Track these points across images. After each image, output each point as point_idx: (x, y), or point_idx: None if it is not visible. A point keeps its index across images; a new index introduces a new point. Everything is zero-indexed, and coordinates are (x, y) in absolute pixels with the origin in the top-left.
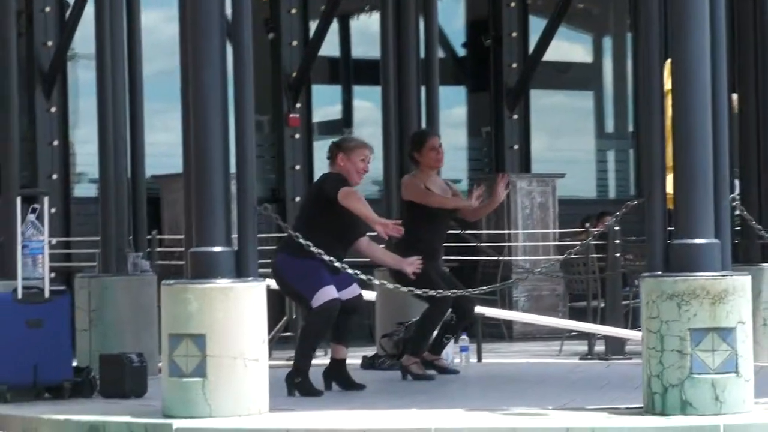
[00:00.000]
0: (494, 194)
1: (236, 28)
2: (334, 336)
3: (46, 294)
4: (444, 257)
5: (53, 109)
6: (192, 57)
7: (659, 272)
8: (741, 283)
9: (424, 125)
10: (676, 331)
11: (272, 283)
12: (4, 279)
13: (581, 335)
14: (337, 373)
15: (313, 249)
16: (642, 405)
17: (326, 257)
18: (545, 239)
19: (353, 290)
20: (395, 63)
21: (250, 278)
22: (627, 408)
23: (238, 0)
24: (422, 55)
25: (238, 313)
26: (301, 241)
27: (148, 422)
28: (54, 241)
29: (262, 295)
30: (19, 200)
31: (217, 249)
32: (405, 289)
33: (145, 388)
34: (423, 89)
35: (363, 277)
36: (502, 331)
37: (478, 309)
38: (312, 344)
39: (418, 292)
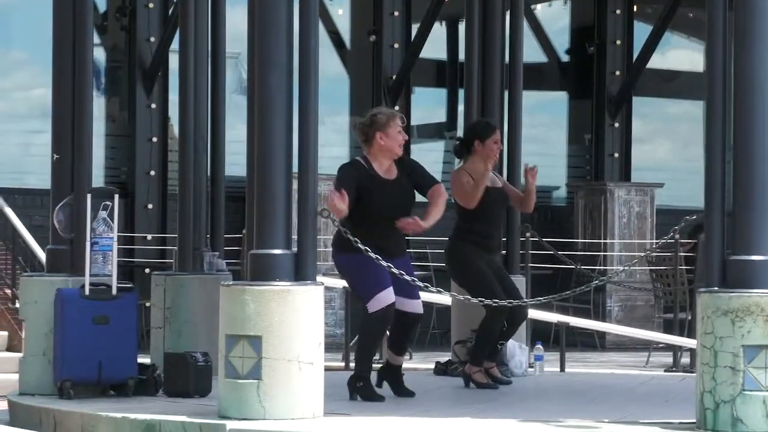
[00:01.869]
0: (526, 186)
1: (304, 33)
2: (392, 345)
3: (114, 291)
4: (536, 265)
5: (153, 105)
6: (258, 60)
7: (716, 287)
8: None
9: (506, 131)
10: (729, 348)
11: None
12: (75, 275)
13: (671, 346)
14: (391, 376)
15: (360, 246)
16: (695, 421)
17: (372, 254)
18: (642, 249)
19: (415, 305)
20: (479, 66)
21: (309, 281)
22: (680, 423)
23: (307, 4)
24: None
25: (294, 316)
26: (349, 236)
27: (203, 422)
28: (149, 237)
29: (319, 298)
30: (89, 197)
31: (277, 251)
32: (461, 297)
33: (209, 388)
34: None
35: (433, 289)
36: (594, 341)
37: (563, 318)
38: (369, 349)
39: (475, 301)
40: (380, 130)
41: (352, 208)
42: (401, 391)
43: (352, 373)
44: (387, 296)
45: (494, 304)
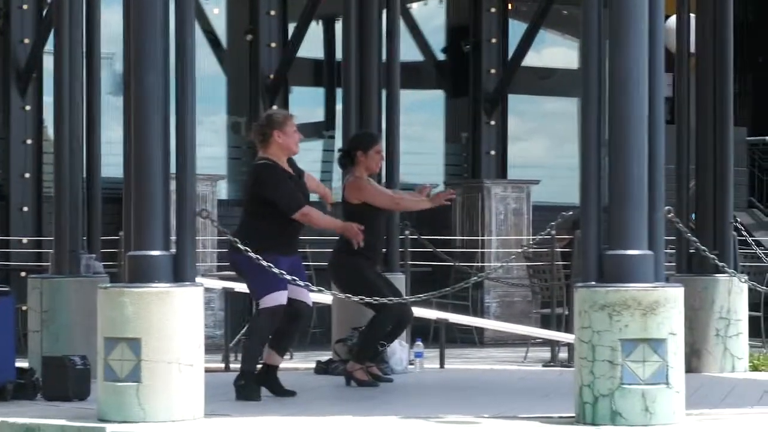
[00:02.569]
0: (433, 200)
1: (180, 33)
2: (272, 341)
3: None
4: (415, 262)
5: (28, 107)
6: (134, 60)
7: (593, 282)
8: (673, 294)
9: (384, 130)
10: (607, 342)
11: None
12: None
13: (549, 342)
14: (267, 378)
15: (252, 254)
16: (574, 415)
17: (265, 263)
18: (518, 245)
19: (305, 294)
20: (357, 66)
21: (188, 282)
22: (560, 417)
23: (182, 4)
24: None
25: (174, 318)
26: (240, 246)
27: (82, 425)
28: (25, 240)
29: (199, 300)
30: None
31: (155, 253)
32: (342, 296)
33: (88, 391)
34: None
35: (314, 288)
36: (473, 337)
37: (442, 315)
38: (257, 345)
39: (363, 299)
40: (277, 128)
41: (263, 207)
42: (281, 391)
43: (237, 373)
44: (281, 296)
45: (376, 302)
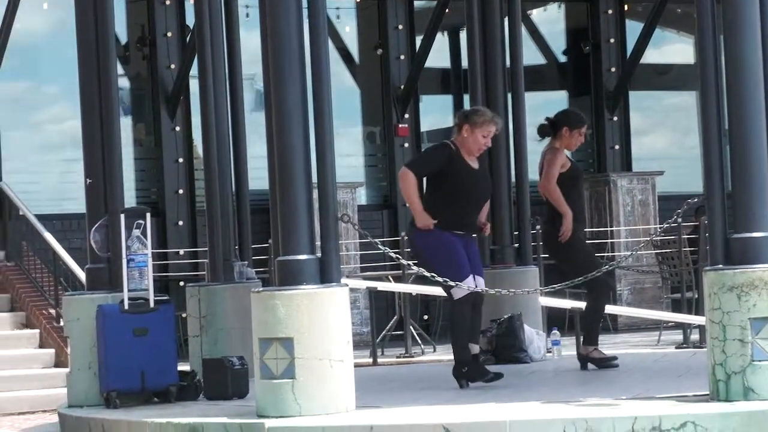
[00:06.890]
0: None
1: (315, 51)
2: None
3: (151, 304)
4: (546, 255)
5: (177, 128)
6: (274, 79)
7: (720, 265)
8: None
9: (511, 131)
10: (737, 321)
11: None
12: (114, 291)
13: (680, 325)
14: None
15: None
16: (708, 392)
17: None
18: (646, 234)
19: (481, 283)
20: (482, 72)
21: (334, 283)
22: (694, 395)
23: (316, 23)
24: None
25: (323, 317)
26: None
27: (243, 422)
28: (182, 252)
29: (345, 299)
30: (123, 217)
31: (302, 257)
32: (491, 290)
33: (246, 390)
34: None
35: (452, 283)
36: (607, 324)
37: (576, 304)
38: (460, 336)
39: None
40: (470, 124)
41: (437, 187)
42: (488, 376)
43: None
44: (469, 282)
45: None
